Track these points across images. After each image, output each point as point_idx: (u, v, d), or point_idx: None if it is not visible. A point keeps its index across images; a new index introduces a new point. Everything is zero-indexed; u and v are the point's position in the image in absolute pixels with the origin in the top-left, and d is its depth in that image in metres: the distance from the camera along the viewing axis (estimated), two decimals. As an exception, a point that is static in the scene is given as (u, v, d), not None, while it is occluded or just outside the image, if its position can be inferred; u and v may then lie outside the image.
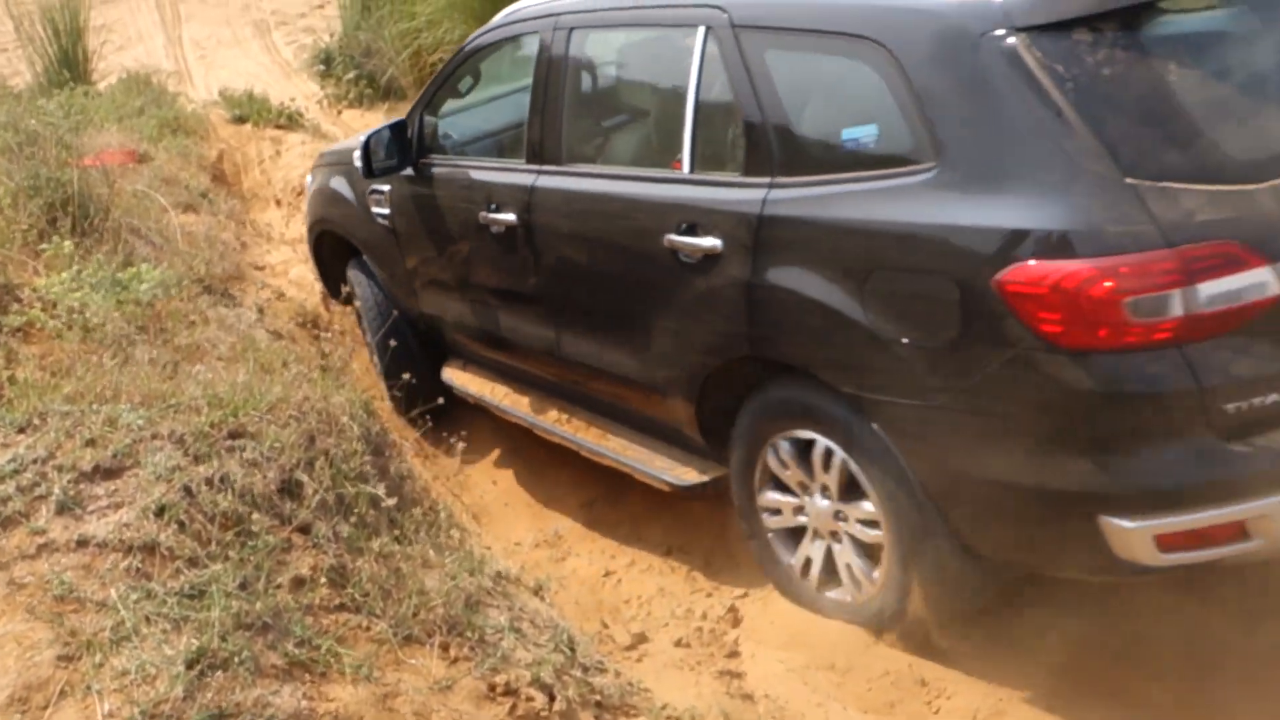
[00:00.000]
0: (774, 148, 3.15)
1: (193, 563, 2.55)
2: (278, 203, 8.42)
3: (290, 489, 2.93)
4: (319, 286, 6.50)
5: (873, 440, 3.04)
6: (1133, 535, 2.66)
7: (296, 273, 6.83)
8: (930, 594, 3.15)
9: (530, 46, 4.10)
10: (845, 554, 3.36)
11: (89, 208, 4.67)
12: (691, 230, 3.34)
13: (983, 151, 2.72)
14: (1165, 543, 2.67)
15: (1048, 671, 3.20)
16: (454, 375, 4.95)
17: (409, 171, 4.58)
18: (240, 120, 10.26)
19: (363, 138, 4.55)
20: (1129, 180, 2.55)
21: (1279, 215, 2.57)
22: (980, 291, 2.65)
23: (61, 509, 2.63)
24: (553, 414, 4.43)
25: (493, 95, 4.77)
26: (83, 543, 2.54)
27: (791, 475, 3.39)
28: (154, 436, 2.89)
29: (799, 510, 3.44)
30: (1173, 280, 2.50)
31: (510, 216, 4.04)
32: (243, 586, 2.51)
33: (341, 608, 2.67)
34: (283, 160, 9.18)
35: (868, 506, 3.18)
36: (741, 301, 3.23)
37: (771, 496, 3.49)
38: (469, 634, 2.75)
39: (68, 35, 11.11)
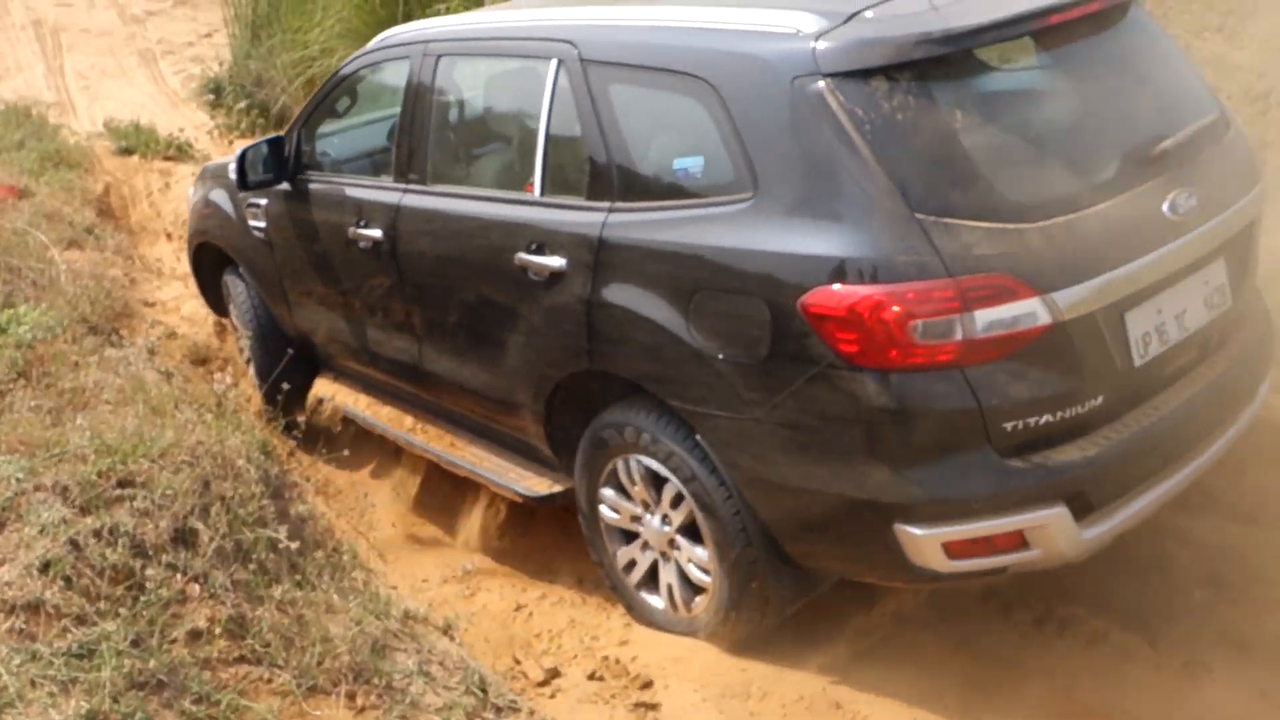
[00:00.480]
0: (614, 174, 3.38)
1: (81, 620, 2.44)
2: (168, 236, 8.18)
3: (185, 537, 2.82)
4: (210, 317, 6.34)
5: (697, 453, 3.27)
6: (924, 542, 2.91)
7: (189, 309, 6.63)
8: (746, 607, 3.37)
9: (402, 70, 4.25)
10: (670, 575, 3.60)
11: (-37, 247, 4.46)
12: (539, 250, 3.54)
13: (793, 184, 2.95)
14: (953, 550, 2.93)
15: (961, 685, 3.26)
16: (324, 388, 5.10)
17: (285, 186, 4.72)
18: (127, 152, 9.96)
19: (239, 151, 4.67)
20: (917, 215, 2.79)
21: (1048, 253, 2.84)
22: (788, 312, 2.88)
23: (-63, 570, 2.49)
24: (409, 423, 4.61)
25: (368, 116, 4.91)
26: (-40, 605, 2.41)
27: (638, 492, 3.58)
28: (37, 488, 2.77)
29: (635, 519, 3.64)
30: (952, 307, 2.75)
31: (377, 233, 4.19)
32: (135, 643, 2.41)
33: (241, 660, 2.58)
34: (172, 192, 8.93)
35: (701, 553, 3.41)
36: (582, 318, 3.43)
37: (611, 495, 3.68)
38: (376, 681, 2.68)
39: (-60, 66, 10.72)
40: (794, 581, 3.35)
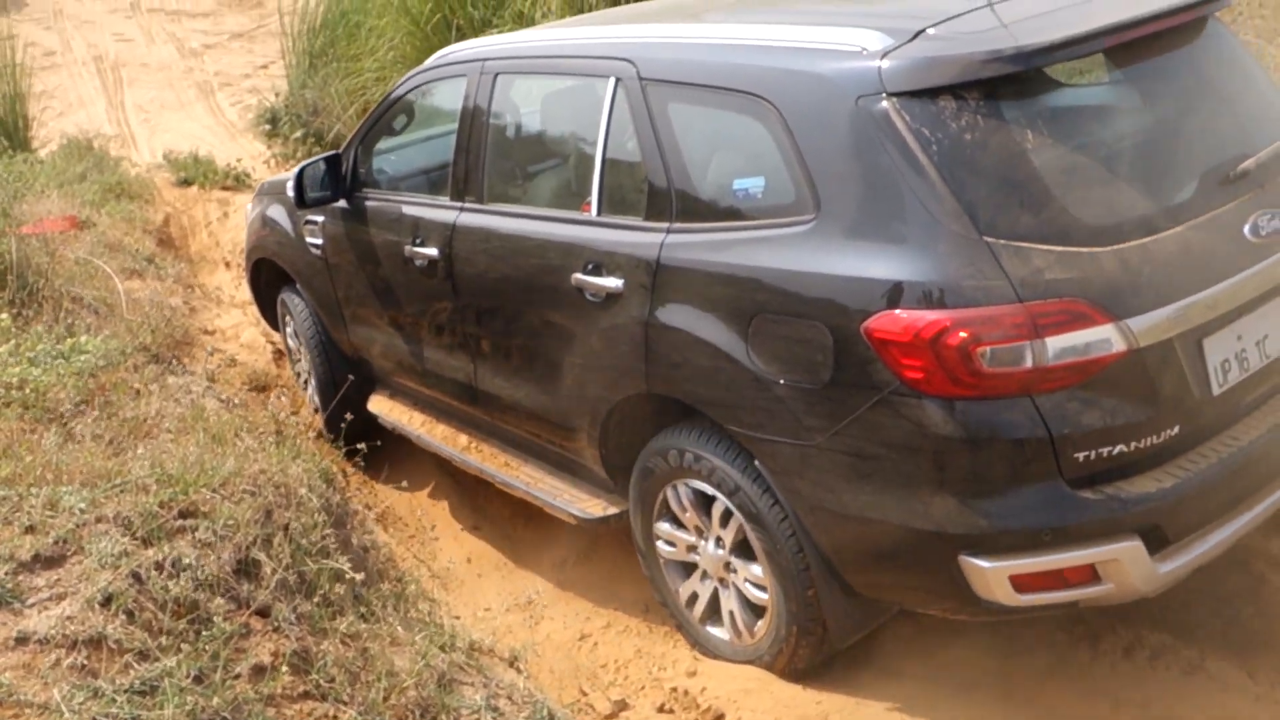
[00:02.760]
0: (672, 195, 3.33)
1: (143, 656, 2.37)
2: (226, 265, 8.23)
3: (247, 569, 2.76)
4: (269, 345, 6.35)
5: (757, 481, 3.20)
6: (990, 575, 2.81)
7: (248, 336, 6.65)
8: (807, 637, 3.29)
9: (459, 88, 4.23)
10: (730, 601, 3.52)
11: (28, 277, 4.48)
12: (596, 270, 3.49)
13: (857, 206, 2.88)
14: (1020, 583, 2.83)
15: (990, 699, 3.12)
16: (379, 405, 5.10)
17: (342, 204, 4.73)
18: (186, 183, 10.09)
19: (297, 169, 4.70)
20: (986, 238, 2.70)
21: (1123, 278, 2.74)
22: (851, 337, 2.81)
23: (-1, 604, 2.45)
24: (464, 442, 4.58)
25: (424, 134, 4.90)
26: (22, 640, 2.36)
27: (689, 519, 3.54)
28: (98, 520, 2.71)
29: (691, 549, 3.60)
30: (1022, 333, 2.66)
31: (433, 251, 4.18)
32: (198, 679, 2.34)
33: (306, 696, 2.50)
34: (230, 222, 9.01)
35: (756, 570, 3.34)
36: (639, 340, 3.37)
37: (666, 529, 3.65)
38: (444, 716, 2.59)
39: (6, 102, 10.91)
40: (856, 610, 3.27)
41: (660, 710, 3.58)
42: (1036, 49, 2.83)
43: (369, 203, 4.65)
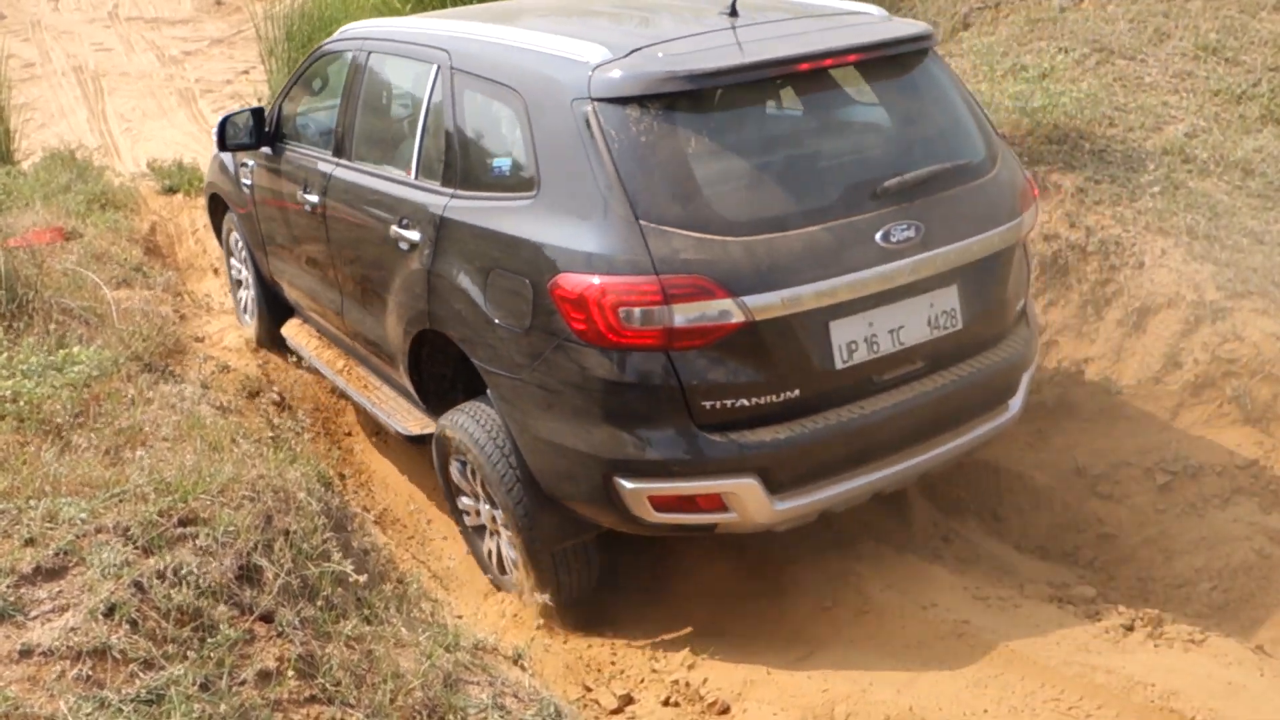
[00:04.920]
0: (458, 165, 3.99)
1: (148, 665, 2.36)
2: (215, 271, 8.18)
3: (249, 575, 2.75)
4: (255, 348, 6.32)
5: (491, 412, 3.90)
6: (632, 494, 3.48)
7: (231, 340, 6.61)
8: (538, 556, 3.89)
9: (346, 60, 4.99)
10: (503, 545, 4.15)
11: (16, 290, 4.45)
12: (405, 224, 4.14)
13: (561, 187, 3.50)
14: (658, 503, 3.49)
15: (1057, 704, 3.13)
16: (289, 330, 5.95)
17: (266, 151, 5.45)
18: (171, 191, 10.01)
19: (221, 116, 5.43)
20: (640, 222, 3.31)
21: (746, 263, 3.31)
22: (543, 292, 3.44)
23: (1, 617, 2.43)
24: (340, 366, 5.33)
25: (328, 98, 5.49)
26: (26, 652, 2.35)
27: (469, 487, 4.21)
28: (98, 530, 2.70)
29: (478, 513, 4.25)
30: (656, 300, 3.26)
31: (315, 198, 4.90)
32: (204, 687, 2.33)
33: (312, 700, 2.49)
34: (217, 229, 8.93)
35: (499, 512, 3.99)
36: (425, 284, 4.01)
37: (466, 502, 4.32)
38: (451, 717, 2.59)
39: (-12, 115, 10.83)
40: (562, 522, 3.83)
41: (666, 704, 3.58)
42: (710, 72, 3.42)
43: (284, 152, 5.33)
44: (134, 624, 2.44)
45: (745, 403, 3.39)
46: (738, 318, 3.29)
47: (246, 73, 13.75)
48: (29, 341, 3.98)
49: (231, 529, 2.81)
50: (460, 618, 3.85)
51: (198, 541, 2.74)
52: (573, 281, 3.34)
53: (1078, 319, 5.08)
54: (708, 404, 3.37)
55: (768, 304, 3.31)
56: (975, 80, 6.36)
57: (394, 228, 4.16)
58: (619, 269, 3.28)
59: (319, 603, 2.79)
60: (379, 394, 4.89)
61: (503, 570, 4.22)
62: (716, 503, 3.46)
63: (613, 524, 3.69)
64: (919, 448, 3.70)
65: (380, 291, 4.40)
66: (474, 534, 4.37)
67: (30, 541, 2.66)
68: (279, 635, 2.60)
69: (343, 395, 5.53)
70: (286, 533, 2.95)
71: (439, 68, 4.14)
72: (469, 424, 3.94)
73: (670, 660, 3.81)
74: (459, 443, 3.98)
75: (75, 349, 3.62)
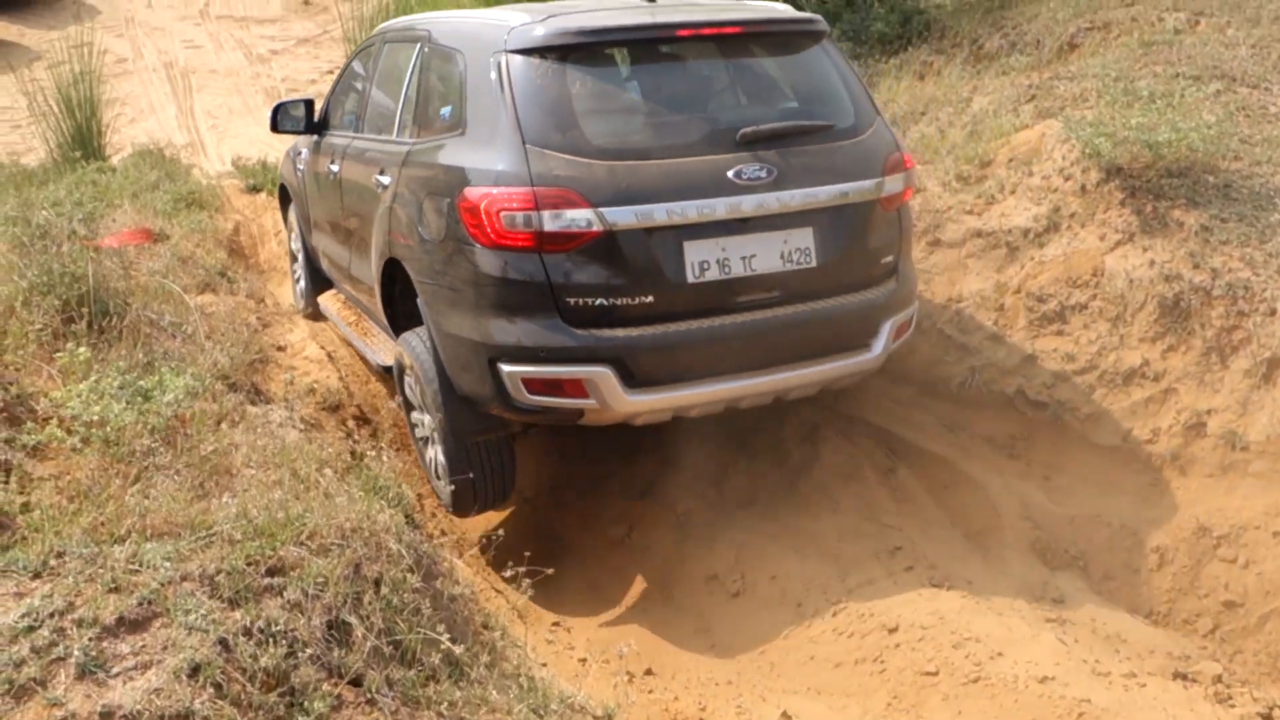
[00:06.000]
0: (421, 118, 4.82)
1: (233, 735, 2.23)
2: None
3: (337, 631, 2.61)
4: (332, 361, 6.25)
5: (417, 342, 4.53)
6: (509, 377, 4.03)
7: (312, 351, 6.54)
8: (455, 455, 4.47)
9: (371, 52, 5.88)
10: (438, 453, 4.62)
11: (106, 304, 4.38)
12: (383, 172, 4.86)
13: (479, 124, 4.21)
14: (530, 386, 4.03)
15: None
16: (325, 300, 6.62)
17: (314, 138, 6.28)
18: (254, 190, 10.04)
19: (276, 103, 6.31)
20: (526, 146, 3.97)
21: (608, 182, 3.93)
22: (453, 207, 4.10)
23: (82, 673, 2.31)
24: (351, 319, 6.05)
25: (359, 85, 6.22)
26: (108, 715, 2.23)
27: (416, 401, 4.74)
28: (183, 578, 2.57)
29: (423, 425, 4.78)
30: (529, 207, 3.89)
31: (336, 167, 5.71)
32: (292, 762, 2.19)
33: (403, 775, 2.34)
34: (299, 231, 8.90)
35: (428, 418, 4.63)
36: (388, 218, 4.70)
37: (415, 415, 4.88)
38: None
39: (82, 109, 10.92)
40: (475, 418, 4.37)
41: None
42: (587, 29, 4.15)
43: (326, 138, 6.11)
44: (219, 687, 2.32)
45: (604, 303, 3.95)
46: (597, 226, 3.90)
47: (331, 72, 13.78)
48: (118, 364, 3.90)
49: (320, 580, 2.67)
50: (545, 665, 3.69)
51: (286, 594, 2.60)
52: (471, 194, 4.00)
53: (1199, 367, 4.78)
54: (572, 301, 3.93)
55: (623, 217, 3.92)
56: (1092, 104, 6.06)
57: (375, 176, 4.90)
58: (505, 182, 3.94)
59: (410, 664, 2.64)
60: (374, 339, 5.56)
61: (438, 476, 4.70)
62: (579, 389, 3.98)
63: (499, 409, 4.18)
64: (773, 369, 4.18)
65: (366, 236, 5.09)
66: (421, 445, 4.92)
67: (114, 588, 2.54)
68: (368, 703, 2.45)
69: (349, 344, 6.22)
70: (376, 582, 2.80)
71: (420, 45, 5.00)
72: (415, 342, 4.54)
73: (761, 705, 3.65)
74: (409, 360, 4.58)
75: (165, 375, 3.52)
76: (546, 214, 3.86)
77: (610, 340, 3.93)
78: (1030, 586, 4.28)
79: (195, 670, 2.33)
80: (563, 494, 5.42)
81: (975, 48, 8.06)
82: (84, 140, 11.02)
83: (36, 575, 2.60)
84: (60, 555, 2.67)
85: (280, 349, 6.45)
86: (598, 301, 3.93)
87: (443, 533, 5.10)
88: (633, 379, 3.95)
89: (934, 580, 4.20)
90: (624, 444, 5.25)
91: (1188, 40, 6.92)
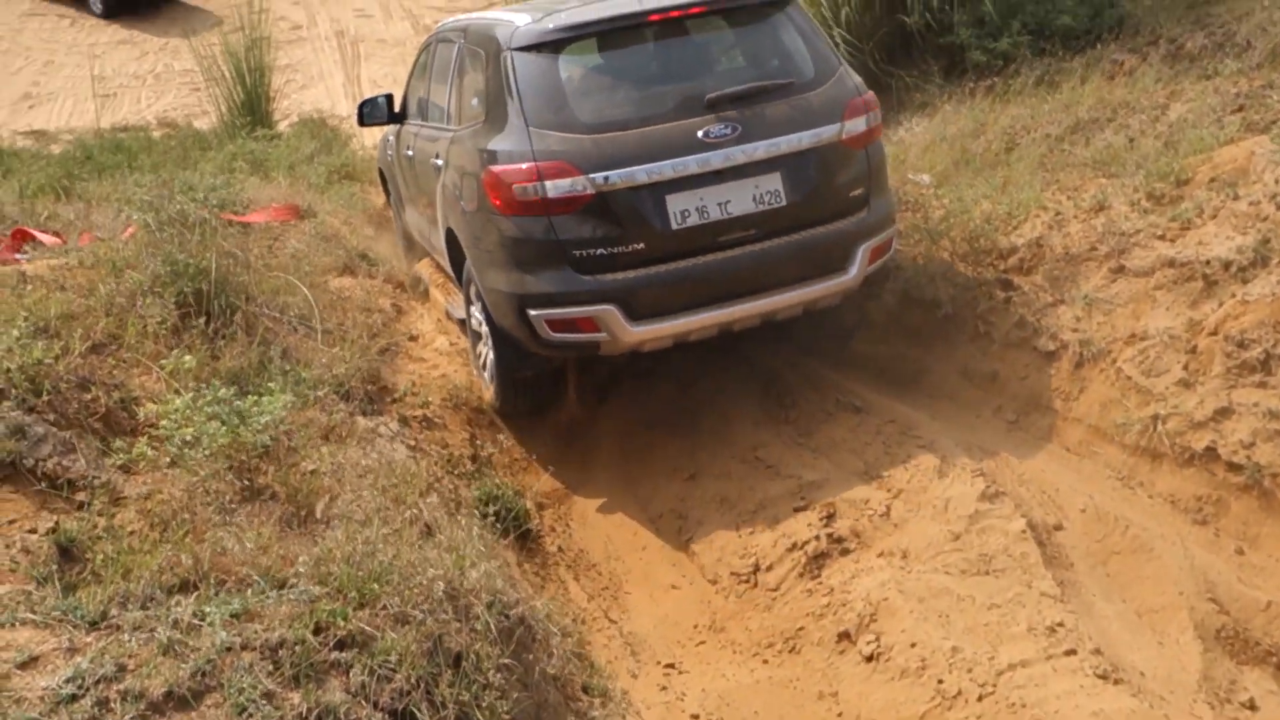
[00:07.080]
0: (461, 108, 5.48)
1: None
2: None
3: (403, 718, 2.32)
4: (457, 350, 6.09)
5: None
6: (536, 319, 4.70)
7: (440, 343, 6.38)
8: (502, 381, 5.31)
9: (429, 51, 6.58)
10: (488, 352, 5.39)
11: (228, 297, 4.24)
12: (438, 156, 5.65)
13: (495, 111, 4.88)
14: (552, 325, 4.70)
15: None
16: (421, 266, 7.37)
17: (395, 127, 7.09)
18: (411, 164, 9.97)
19: (362, 100, 7.27)
20: (530, 128, 4.64)
21: (595, 153, 4.56)
22: (480, 181, 4.78)
23: (121, 758, 2.09)
24: (439, 281, 6.83)
25: (423, 80, 6.98)
26: (139, 814, 1.99)
27: (479, 314, 5.38)
28: (244, 646, 2.33)
29: (480, 323, 5.42)
30: (534, 179, 4.55)
31: (411, 152, 6.47)
32: None
33: None
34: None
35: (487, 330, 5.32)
36: (442, 193, 5.51)
37: (474, 311, 5.47)
38: None
39: (253, 75, 11.09)
40: (516, 354, 5.08)
41: None
42: (573, 25, 4.80)
43: (404, 126, 6.86)
44: (263, 786, 2.05)
45: (605, 252, 4.59)
46: (590, 190, 4.53)
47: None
48: (228, 365, 3.72)
49: (393, 658, 2.39)
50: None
51: (352, 674, 2.33)
52: (492, 171, 4.67)
53: None
54: (579, 253, 4.58)
55: (609, 179, 4.54)
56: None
57: (433, 160, 5.71)
58: (514, 159, 4.61)
59: (481, 764, 2.33)
60: (454, 296, 6.28)
61: (484, 369, 5.52)
62: (591, 325, 4.65)
63: (532, 344, 4.84)
64: (757, 296, 4.79)
65: (434, 209, 5.81)
66: (474, 337, 5.63)
67: (168, 649, 2.31)
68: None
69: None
70: (458, 659, 2.51)
71: (459, 44, 5.71)
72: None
73: None
74: (477, 294, 5.28)
75: (264, 397, 3.31)
76: (549, 183, 4.52)
77: (613, 283, 4.61)
78: (1214, 684, 3.71)
79: (239, 765, 2.07)
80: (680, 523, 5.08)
81: (1174, 47, 7.21)
82: (253, 106, 11.22)
83: (94, 626, 2.40)
84: (123, 602, 2.47)
85: (412, 339, 6.29)
86: (599, 252, 4.59)
87: (560, 550, 4.84)
88: (635, 313, 4.64)
89: (1099, 670, 3.68)
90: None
91: None
